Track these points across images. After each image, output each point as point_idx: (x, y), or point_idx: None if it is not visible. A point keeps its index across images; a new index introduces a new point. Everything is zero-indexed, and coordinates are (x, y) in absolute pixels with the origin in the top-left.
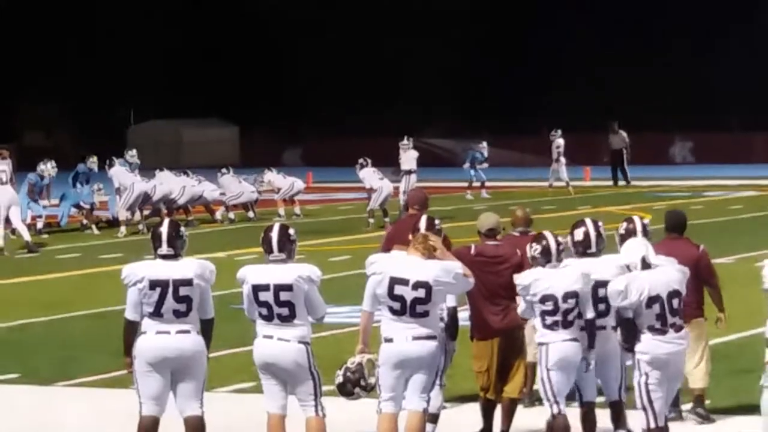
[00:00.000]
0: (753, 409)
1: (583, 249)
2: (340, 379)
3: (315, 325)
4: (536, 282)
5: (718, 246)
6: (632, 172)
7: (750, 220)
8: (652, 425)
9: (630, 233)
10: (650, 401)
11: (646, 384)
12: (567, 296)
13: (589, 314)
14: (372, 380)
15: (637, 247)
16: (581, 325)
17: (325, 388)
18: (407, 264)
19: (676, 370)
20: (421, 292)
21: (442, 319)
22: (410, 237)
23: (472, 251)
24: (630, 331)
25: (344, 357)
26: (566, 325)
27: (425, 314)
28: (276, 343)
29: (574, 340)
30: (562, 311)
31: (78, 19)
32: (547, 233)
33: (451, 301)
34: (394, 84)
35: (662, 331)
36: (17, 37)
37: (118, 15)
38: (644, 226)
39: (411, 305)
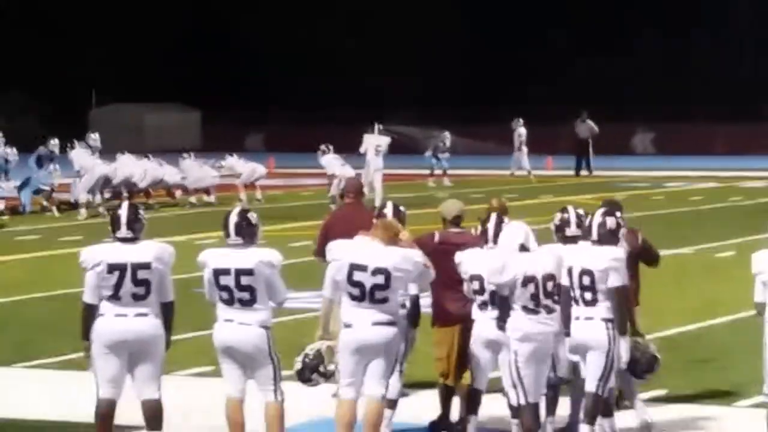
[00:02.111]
0: (708, 397)
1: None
2: (299, 365)
3: (275, 309)
4: (463, 263)
5: (677, 237)
6: (593, 162)
7: (710, 212)
8: (522, 401)
9: (565, 223)
10: (520, 378)
11: (516, 362)
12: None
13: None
14: (331, 367)
15: (517, 232)
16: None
17: (284, 372)
18: (367, 250)
19: (544, 349)
20: (379, 279)
21: (403, 305)
22: (374, 222)
23: (436, 239)
24: (504, 309)
25: (304, 342)
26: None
27: (384, 300)
28: (236, 327)
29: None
30: (489, 292)
31: (40, 2)
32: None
33: (413, 288)
34: (358, 71)
35: (534, 311)
36: None
37: None
38: (579, 216)
39: (370, 291)
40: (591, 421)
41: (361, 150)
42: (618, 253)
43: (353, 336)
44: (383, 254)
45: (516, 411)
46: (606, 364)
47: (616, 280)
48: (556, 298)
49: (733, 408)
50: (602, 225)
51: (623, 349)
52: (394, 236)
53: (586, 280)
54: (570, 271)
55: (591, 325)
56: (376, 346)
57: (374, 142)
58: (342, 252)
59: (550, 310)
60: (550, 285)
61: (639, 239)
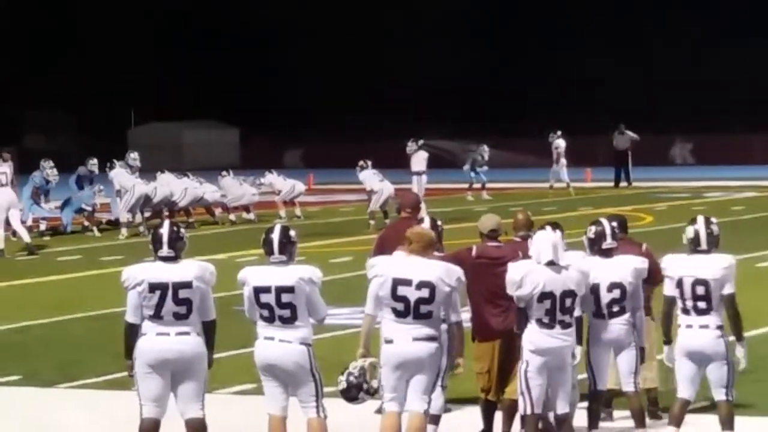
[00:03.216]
0: (748, 409)
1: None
2: (343, 384)
3: (316, 326)
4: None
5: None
6: (633, 174)
7: (751, 221)
8: (528, 411)
9: (600, 236)
10: (528, 388)
11: (526, 371)
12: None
13: (577, 312)
14: (375, 383)
15: (545, 246)
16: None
17: (326, 389)
18: (409, 264)
19: (558, 362)
20: (425, 292)
21: (444, 320)
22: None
23: (474, 253)
24: (521, 320)
25: (345, 358)
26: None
27: (428, 315)
28: (277, 345)
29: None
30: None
31: (79, 20)
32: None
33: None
34: (396, 86)
35: (549, 326)
36: (17, 39)
37: (119, 16)
38: (613, 229)
39: (415, 306)
40: (730, 426)
41: (422, 167)
42: (730, 260)
43: (395, 351)
44: (427, 268)
45: (523, 421)
46: (729, 371)
47: (730, 287)
48: (573, 313)
49: None
50: (711, 234)
51: (742, 354)
52: (429, 245)
53: (700, 290)
54: (680, 282)
55: (707, 334)
56: (418, 361)
57: (426, 158)
58: (384, 268)
59: (565, 326)
60: (568, 301)
61: (644, 252)
